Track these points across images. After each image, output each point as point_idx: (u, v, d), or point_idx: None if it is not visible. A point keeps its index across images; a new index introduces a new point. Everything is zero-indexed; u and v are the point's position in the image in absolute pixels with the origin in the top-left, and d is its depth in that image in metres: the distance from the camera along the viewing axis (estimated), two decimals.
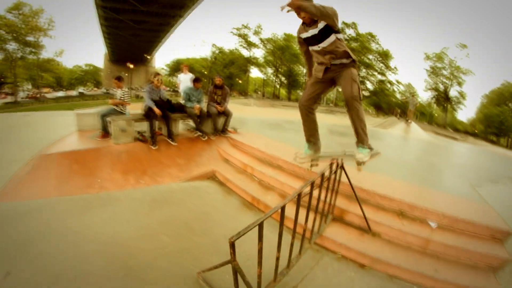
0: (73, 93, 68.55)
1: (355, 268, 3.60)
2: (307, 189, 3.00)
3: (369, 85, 62.27)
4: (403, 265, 3.47)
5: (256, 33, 67.49)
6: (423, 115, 68.34)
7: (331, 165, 3.60)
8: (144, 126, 7.51)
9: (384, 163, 6.49)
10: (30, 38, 49.18)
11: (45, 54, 55.57)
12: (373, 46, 59.98)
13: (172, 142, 7.33)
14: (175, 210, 4.94)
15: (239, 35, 67.92)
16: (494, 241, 3.68)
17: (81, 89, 76.84)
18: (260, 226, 2.39)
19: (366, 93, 61.70)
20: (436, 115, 67.03)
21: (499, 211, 4.24)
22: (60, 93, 67.02)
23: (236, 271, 2.38)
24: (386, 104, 62.08)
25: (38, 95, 57.39)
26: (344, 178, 4.04)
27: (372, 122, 29.13)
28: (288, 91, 71.20)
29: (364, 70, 59.87)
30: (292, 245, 3.06)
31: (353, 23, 59.57)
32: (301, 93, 71.65)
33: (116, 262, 3.50)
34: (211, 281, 3.11)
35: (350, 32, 59.99)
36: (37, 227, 4.20)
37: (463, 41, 54.91)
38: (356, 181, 4.30)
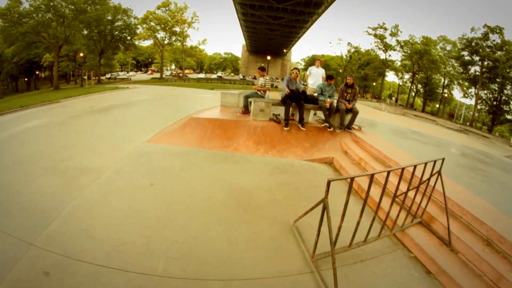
0: (213, 76, 75.83)
1: (421, 271, 3.76)
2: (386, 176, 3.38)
3: None
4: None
5: (393, 34, 61.62)
6: None
7: (424, 166, 3.78)
8: (279, 110, 8.59)
9: (492, 189, 6.21)
10: (176, 29, 60.39)
11: (190, 42, 66.38)
12: None
13: (301, 127, 8.19)
14: (291, 178, 5.92)
15: (375, 35, 63.24)
16: None
17: (219, 73, 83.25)
18: (352, 180, 3.06)
19: (509, 117, 49.83)
20: None
21: None
22: (201, 75, 76.48)
23: (325, 207, 3.09)
24: None
25: (181, 75, 67.69)
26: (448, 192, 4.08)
27: (504, 151, 26.04)
28: (424, 101, 64.28)
29: (509, 88, 47.86)
30: (371, 225, 3.54)
31: (498, 27, 46.63)
32: (437, 106, 62.94)
33: (235, 197, 4.91)
34: (302, 231, 4.01)
35: (494, 37, 47.61)
36: (180, 164, 6.05)
37: None
38: (455, 195, 4.45)
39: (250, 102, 8.58)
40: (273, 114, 8.49)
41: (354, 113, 8.68)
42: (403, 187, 3.41)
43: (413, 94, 66.36)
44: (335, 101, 8.88)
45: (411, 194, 3.84)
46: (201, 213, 4.29)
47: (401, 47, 61.86)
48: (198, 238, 3.71)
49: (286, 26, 67.80)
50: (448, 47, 58.66)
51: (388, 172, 3.36)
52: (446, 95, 60.74)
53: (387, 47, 63.56)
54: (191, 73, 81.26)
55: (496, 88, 50.00)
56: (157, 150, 6.70)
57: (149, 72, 78.20)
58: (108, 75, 64.27)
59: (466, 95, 55.99)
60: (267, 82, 8.91)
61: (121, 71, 73.77)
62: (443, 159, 4.14)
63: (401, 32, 62.03)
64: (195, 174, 5.62)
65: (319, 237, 3.33)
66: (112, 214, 4.06)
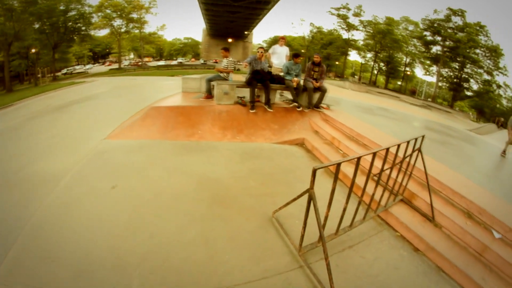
0: (173, 62, 73.83)
1: (409, 249, 3.81)
2: (371, 158, 3.29)
3: (473, 84, 53.71)
4: (454, 261, 3.49)
5: (356, 14, 63.37)
6: None
7: (407, 144, 3.81)
8: (244, 92, 8.27)
9: (465, 164, 6.48)
10: (133, 15, 57.97)
11: (148, 29, 63.91)
12: (482, 39, 50.74)
13: (268, 109, 7.94)
14: (263, 164, 5.67)
15: (338, 15, 64.58)
16: None
17: (180, 59, 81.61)
18: (338, 166, 2.86)
19: (468, 93, 54.30)
20: None
21: None
22: (161, 62, 73.90)
23: (311, 198, 2.88)
24: (489, 109, 53.26)
25: (140, 63, 65.46)
26: (419, 164, 4.21)
27: (468, 125, 27.29)
28: (386, 78, 66.93)
29: (468, 66, 52.27)
30: (357, 209, 3.47)
31: (461, 10, 51.19)
32: (399, 83, 66.82)
33: (206, 190, 4.52)
34: (283, 222, 3.78)
35: (456, 20, 52.06)
36: (143, 160, 5.49)
37: None
38: (433, 171, 4.46)
39: (213, 86, 8.15)
40: (238, 97, 8.14)
41: (323, 91, 8.59)
42: (380, 166, 3.44)
43: (376, 72, 69.08)
44: (302, 80, 8.68)
45: (391, 173, 3.86)
46: (172, 214, 3.90)
47: (364, 27, 64.11)
48: (173, 243, 3.36)
49: (248, 8, 67.05)
50: (411, 28, 61.29)
51: (374, 154, 3.29)
52: (408, 73, 64.31)
53: (350, 27, 65.52)
54: (150, 61, 79.05)
55: (457, 67, 54.34)
56: (117, 146, 6.11)
57: (107, 63, 75.31)
58: (64, 71, 60.60)
59: (428, 73, 59.97)
60: (230, 64, 8.46)
61: (78, 64, 70.50)
62: (423, 137, 4.17)
63: (364, 12, 64.68)
64: (160, 169, 5.16)
65: (305, 230, 3.16)
66: (75, 229, 3.55)
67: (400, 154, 3.81)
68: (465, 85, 54.14)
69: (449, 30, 52.27)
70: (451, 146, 8.48)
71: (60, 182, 4.67)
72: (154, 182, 4.67)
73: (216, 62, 61.60)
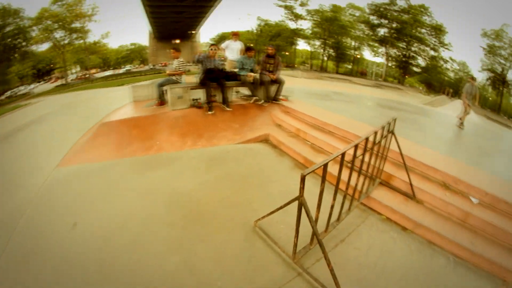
0: (120, 71, 70.69)
1: (398, 230, 3.86)
2: (353, 151, 3.23)
3: (421, 61, 58.10)
4: (442, 233, 3.64)
5: (303, 4, 64.25)
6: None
7: (382, 130, 3.80)
8: (199, 94, 7.92)
9: (429, 138, 6.70)
10: (75, 25, 53.42)
11: (92, 38, 59.75)
12: (426, 19, 54.92)
13: (227, 108, 7.67)
14: (232, 168, 5.35)
15: (285, 7, 65.47)
16: None
17: (128, 67, 79.22)
18: (325, 166, 2.72)
19: (417, 70, 58.43)
20: (490, 99, 62.09)
21: None
22: (108, 72, 70.17)
23: (302, 205, 2.69)
24: (438, 82, 57.68)
25: (87, 76, 61.36)
26: (393, 146, 4.28)
27: (421, 99, 28.30)
28: (336, 64, 68.79)
29: (415, 44, 56.34)
30: (343, 202, 3.42)
31: None
32: (349, 67, 69.64)
33: (179, 209, 4.07)
34: (268, 230, 3.53)
35: (401, 3, 55.36)
36: (103, 186, 4.82)
37: None
38: (403, 149, 4.47)
39: (165, 91, 7.68)
40: (193, 100, 7.77)
41: (279, 83, 8.49)
42: (356, 152, 3.33)
43: (325, 58, 70.53)
44: (258, 74, 8.51)
45: (367, 158, 3.79)
46: (146, 243, 3.41)
47: (312, 16, 65.28)
48: (154, 277, 2.93)
49: (193, 7, 66.03)
50: (357, 13, 63.64)
51: (356, 147, 3.23)
52: (357, 56, 66.98)
53: (297, 17, 66.42)
54: (97, 72, 76.02)
55: (404, 46, 58.12)
56: (71, 174, 5.36)
57: (53, 80, 71.31)
58: (8, 93, 56.18)
59: (376, 55, 63.37)
60: (181, 65, 8.02)
61: (22, 85, 66.31)
62: (395, 119, 4.24)
63: (310, 1, 66.12)
64: (123, 193, 4.58)
65: (297, 239, 3.00)
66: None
67: (371, 137, 3.78)
68: (413, 62, 58.28)
69: (394, 13, 55.63)
70: (411, 121, 8.75)
71: (13, 232, 3.79)
72: (119, 210, 4.11)
73: (165, 65, 60.08)
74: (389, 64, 61.03)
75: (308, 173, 2.58)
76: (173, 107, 7.39)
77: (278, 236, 3.43)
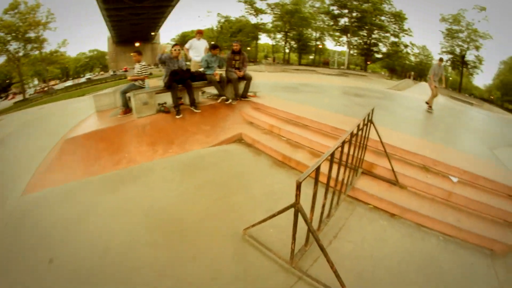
0: (81, 80, 67.81)
1: (387, 217, 3.91)
2: (339, 146, 3.18)
3: (382, 48, 60.41)
4: (429, 214, 3.75)
5: None
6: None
7: (363, 121, 3.85)
8: (165, 98, 7.62)
9: (403, 123, 6.81)
10: (30, 35, 49.67)
11: (48, 47, 56.39)
12: (385, 7, 57.34)
13: (195, 110, 7.43)
14: (209, 174, 5.08)
15: (245, 2, 65.36)
16: (511, 200, 3.95)
17: (88, 75, 76.73)
18: (318, 169, 2.63)
19: (379, 56, 60.68)
20: (451, 79, 64.95)
21: None
22: (68, 83, 67.03)
23: (299, 212, 2.58)
24: (400, 67, 60.64)
25: (46, 88, 58.11)
26: (371, 135, 4.31)
27: (386, 84, 28.85)
28: (299, 55, 69.88)
29: (376, 32, 58.51)
30: (332, 198, 3.41)
31: None
32: (312, 57, 70.96)
33: (160, 227, 3.70)
34: (258, 237, 3.35)
35: None
36: (74, 212, 4.24)
37: (482, 3, 51.39)
38: (381, 136, 4.52)
39: (129, 98, 7.27)
40: (159, 104, 7.44)
41: (247, 79, 8.38)
42: (343, 149, 3.30)
43: (288, 51, 71.58)
44: (224, 72, 8.37)
45: (346, 149, 3.69)
46: (132, 273, 3.02)
47: (272, 9, 65.80)
48: None
49: (152, 7, 64.86)
50: (317, 5, 64.90)
51: (343, 143, 3.21)
52: (320, 46, 68.17)
53: (258, 12, 66.60)
54: (57, 83, 72.97)
55: (365, 34, 60.21)
56: (39, 201, 4.70)
57: (10, 96, 67.24)
58: None
59: (338, 44, 64.72)
60: (144, 69, 7.62)
61: None
62: (372, 109, 4.29)
63: None
64: (97, 216, 4.08)
65: (295, 245, 2.89)
66: None
67: (355, 130, 3.78)
68: (375, 49, 60.70)
69: (354, 3, 57.20)
70: (381, 107, 8.80)
71: None
72: (96, 237, 3.64)
73: (126, 71, 58.59)
74: (352, 52, 62.82)
75: (304, 179, 2.45)
76: (139, 115, 7.00)
77: (270, 241, 3.29)
